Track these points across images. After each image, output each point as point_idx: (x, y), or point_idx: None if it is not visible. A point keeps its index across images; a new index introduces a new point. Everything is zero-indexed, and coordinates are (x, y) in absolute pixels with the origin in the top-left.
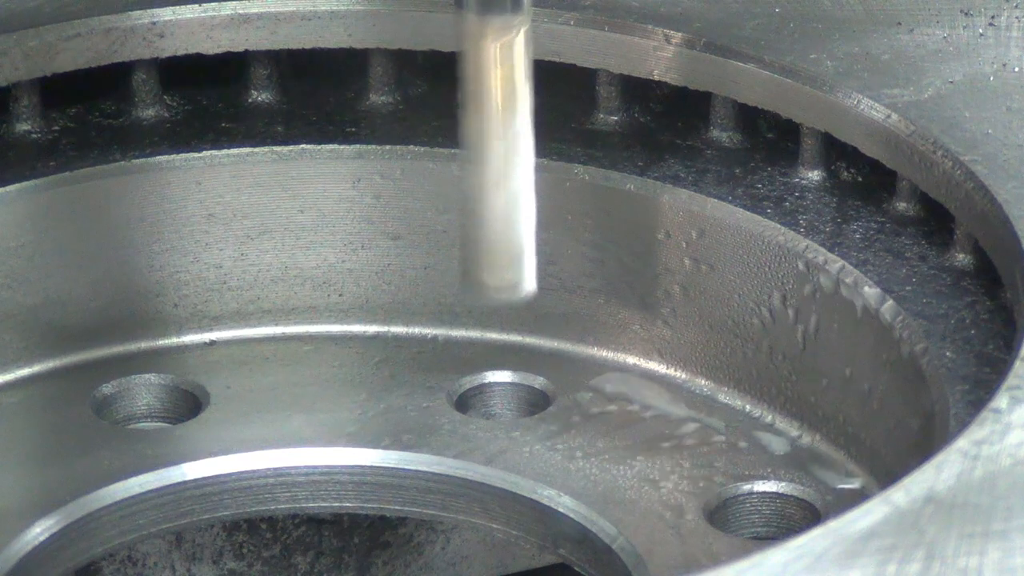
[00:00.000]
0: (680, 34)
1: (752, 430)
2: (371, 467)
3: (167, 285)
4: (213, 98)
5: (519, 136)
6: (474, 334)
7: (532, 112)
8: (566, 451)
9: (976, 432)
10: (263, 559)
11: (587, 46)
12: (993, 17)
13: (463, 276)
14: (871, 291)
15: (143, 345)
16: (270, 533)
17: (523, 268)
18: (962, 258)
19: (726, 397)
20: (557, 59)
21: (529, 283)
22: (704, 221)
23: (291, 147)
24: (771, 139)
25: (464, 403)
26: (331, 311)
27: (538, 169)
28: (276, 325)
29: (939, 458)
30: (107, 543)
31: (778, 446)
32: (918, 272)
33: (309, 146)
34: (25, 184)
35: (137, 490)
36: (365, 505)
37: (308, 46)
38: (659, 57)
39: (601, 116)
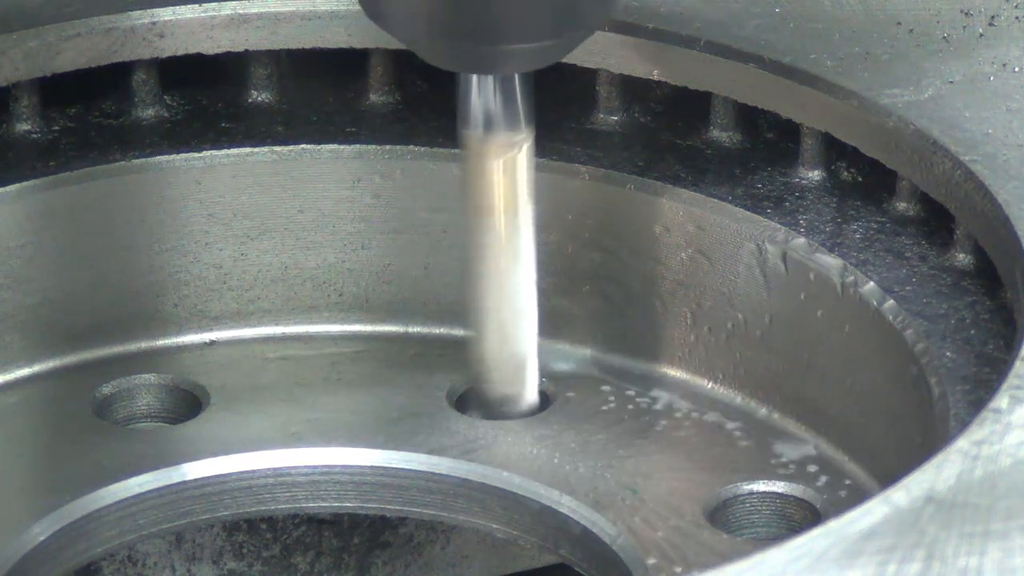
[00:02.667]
0: (680, 34)
1: (753, 430)
2: (371, 467)
3: (167, 285)
4: (213, 98)
5: (521, 250)
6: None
7: (534, 224)
8: (566, 451)
9: (976, 432)
10: (263, 559)
11: (587, 46)
12: (993, 17)
13: (468, 386)
14: (871, 291)
15: (143, 345)
16: (270, 533)
17: (524, 383)
18: (962, 258)
19: (726, 397)
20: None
21: (531, 396)
22: (703, 220)
23: (291, 147)
24: (771, 139)
25: (464, 403)
26: (331, 311)
27: (538, 169)
28: (276, 325)
29: (939, 458)
30: (107, 543)
31: (780, 446)
32: (918, 272)
33: (309, 146)
34: (25, 184)
35: (137, 490)
36: (365, 505)
37: (308, 46)
38: (659, 57)
39: (601, 116)
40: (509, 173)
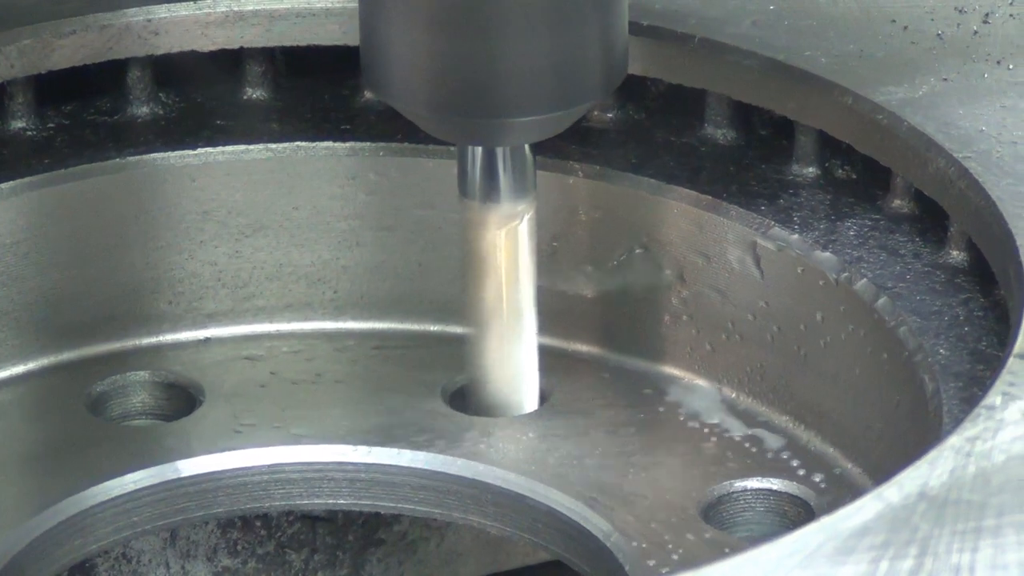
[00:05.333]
0: (675, 31)
1: (747, 427)
2: (365, 464)
3: (162, 282)
4: (208, 95)
5: (523, 317)
6: (469, 331)
7: (536, 290)
8: (561, 448)
9: (969, 429)
10: (257, 556)
11: None
12: (987, 15)
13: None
14: (865, 288)
15: (138, 342)
16: (264, 530)
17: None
18: (956, 255)
19: (720, 394)
20: None
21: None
22: (698, 218)
23: (286, 144)
24: (765, 136)
25: (459, 400)
26: (326, 308)
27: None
28: (271, 322)
29: (932, 455)
30: (101, 540)
31: (772, 442)
32: (912, 269)
33: (304, 143)
34: (19, 181)
35: (131, 487)
36: (359, 502)
37: (303, 43)
38: (654, 54)
39: (596, 113)
40: (511, 243)
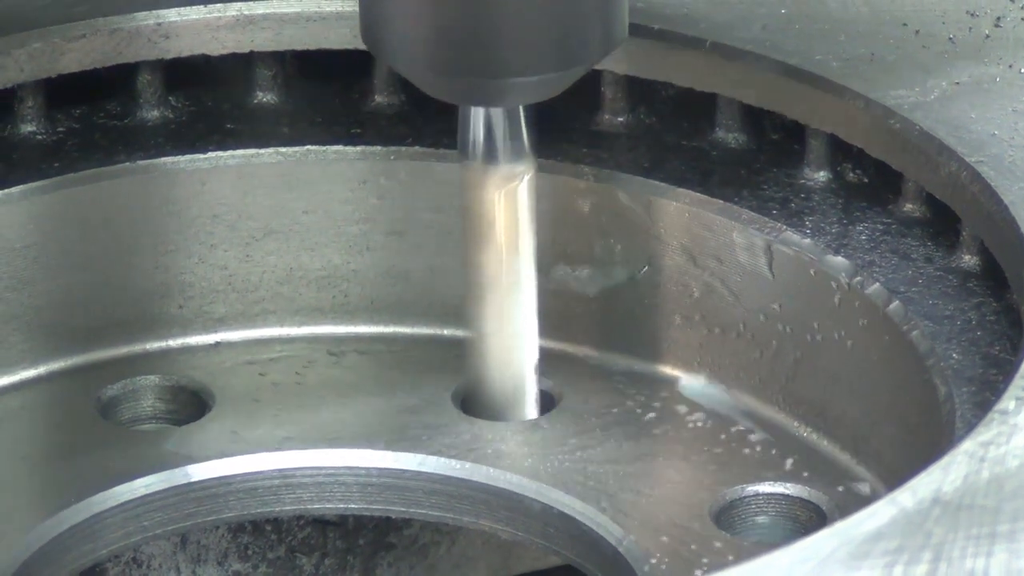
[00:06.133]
0: (686, 35)
1: (759, 430)
2: (376, 468)
3: (172, 286)
4: (218, 99)
5: (521, 281)
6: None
7: (535, 254)
8: (571, 452)
9: (983, 434)
10: (268, 560)
11: None
12: (999, 18)
13: (466, 399)
14: (877, 292)
15: (148, 346)
16: (275, 534)
17: (524, 399)
18: (968, 259)
19: (731, 398)
20: None
21: (530, 412)
22: (709, 221)
23: (296, 148)
24: (777, 140)
25: (470, 404)
26: (336, 312)
27: (543, 170)
28: (281, 326)
29: (946, 460)
30: (112, 544)
31: (784, 446)
32: (924, 273)
33: (314, 147)
34: (30, 185)
35: (142, 491)
36: (370, 507)
37: (313, 47)
38: (665, 58)
39: (607, 117)
40: (510, 205)
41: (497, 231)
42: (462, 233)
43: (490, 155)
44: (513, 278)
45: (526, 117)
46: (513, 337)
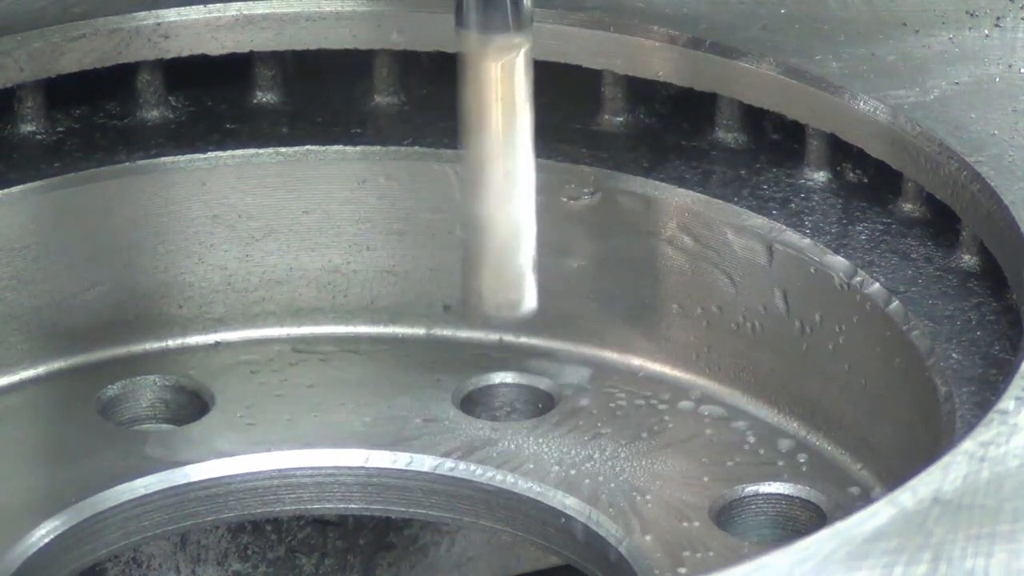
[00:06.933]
0: (685, 35)
1: (759, 431)
2: (376, 468)
3: (172, 286)
4: (218, 99)
5: (520, 156)
6: (479, 335)
7: (533, 129)
8: (571, 453)
9: (983, 434)
10: (268, 560)
11: (592, 47)
12: (999, 18)
13: (465, 293)
14: (877, 292)
15: (148, 346)
16: (275, 534)
17: (524, 287)
18: (968, 259)
19: (731, 398)
20: (562, 60)
21: (530, 301)
22: (708, 221)
23: (296, 148)
24: (776, 140)
25: (469, 404)
26: (336, 312)
27: (543, 170)
28: (281, 326)
29: (945, 460)
30: (112, 545)
31: (784, 447)
32: (924, 273)
33: (314, 147)
34: (30, 185)
35: (142, 492)
36: (370, 506)
37: (313, 47)
38: (664, 58)
39: (606, 117)
40: (507, 77)
41: (494, 104)
42: (459, 106)
43: (488, 25)
44: (510, 152)
45: None
46: (511, 212)
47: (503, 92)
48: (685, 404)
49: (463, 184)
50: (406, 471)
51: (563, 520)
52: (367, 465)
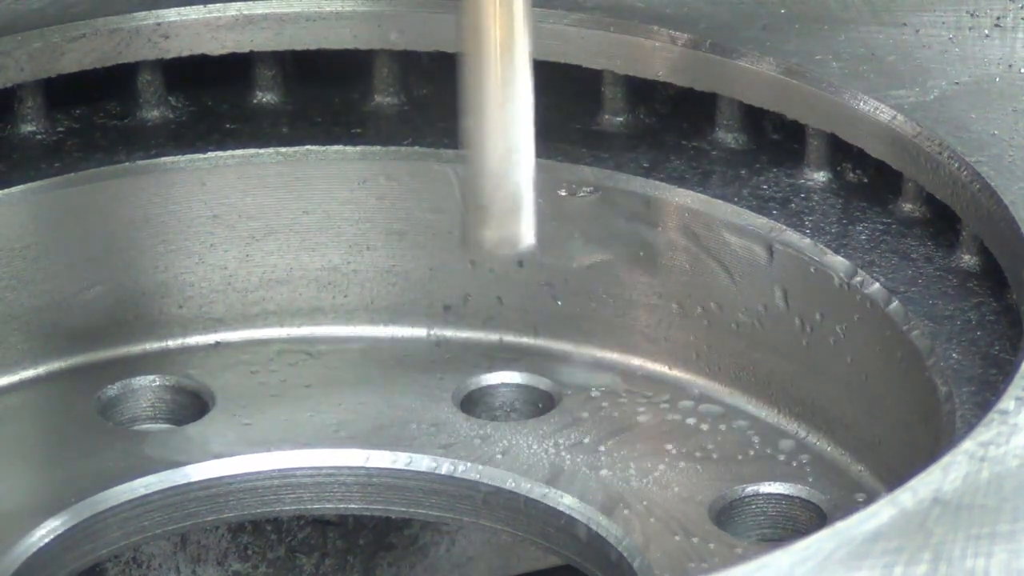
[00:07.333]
0: (685, 35)
1: (759, 431)
2: (376, 468)
3: (172, 286)
4: (218, 99)
5: (518, 83)
6: (479, 335)
7: (531, 61)
8: (571, 453)
9: (983, 434)
10: (268, 560)
11: (592, 47)
12: (999, 18)
13: (464, 231)
14: (877, 292)
15: (148, 346)
16: (275, 534)
17: (521, 221)
18: (968, 259)
19: (731, 398)
20: (562, 60)
21: (528, 236)
22: (709, 221)
23: (296, 148)
24: (777, 140)
25: (469, 404)
26: (336, 312)
27: (543, 170)
28: (281, 326)
29: (946, 460)
30: (112, 545)
31: (785, 446)
32: (924, 273)
33: (314, 147)
34: (30, 185)
35: (142, 491)
36: (370, 506)
37: (313, 47)
38: (664, 58)
39: (606, 117)
40: (505, 10)
41: (492, 29)
42: (457, 36)
43: None
44: (508, 78)
45: None
46: (509, 139)
47: (501, 16)
48: (685, 404)
49: (462, 119)
50: (406, 471)
51: (563, 520)
52: (367, 465)
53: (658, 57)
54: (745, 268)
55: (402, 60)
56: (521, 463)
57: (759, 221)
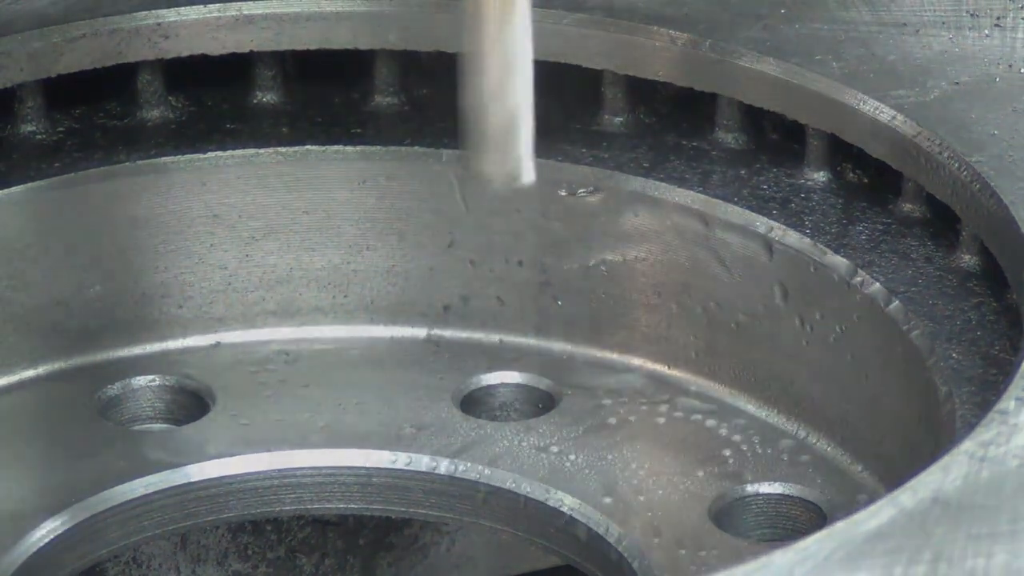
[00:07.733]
0: (685, 35)
1: (759, 431)
2: (376, 468)
3: (172, 286)
4: (218, 99)
5: (516, 22)
6: (479, 335)
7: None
8: (571, 452)
9: (983, 434)
10: (268, 560)
11: (592, 47)
12: (999, 18)
13: (466, 162)
14: (877, 292)
15: (148, 347)
16: (275, 534)
17: (520, 143)
18: (968, 259)
19: (731, 398)
20: (562, 60)
21: (528, 172)
22: (708, 221)
23: (296, 148)
24: (776, 140)
25: (469, 404)
26: (336, 312)
27: (544, 169)
28: (281, 326)
29: (946, 460)
30: (112, 545)
31: (784, 446)
32: (924, 273)
33: (314, 147)
34: (30, 185)
35: (142, 492)
36: (370, 506)
37: (313, 47)
38: (664, 58)
39: (606, 117)
40: None
41: None
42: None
43: None
44: (507, 9)
45: None
46: (506, 70)
47: None
48: (685, 404)
49: (462, 61)
50: (406, 471)
51: (563, 520)
52: (367, 465)
53: (658, 57)
54: (745, 268)
55: (402, 60)
56: (521, 463)
57: (759, 221)
